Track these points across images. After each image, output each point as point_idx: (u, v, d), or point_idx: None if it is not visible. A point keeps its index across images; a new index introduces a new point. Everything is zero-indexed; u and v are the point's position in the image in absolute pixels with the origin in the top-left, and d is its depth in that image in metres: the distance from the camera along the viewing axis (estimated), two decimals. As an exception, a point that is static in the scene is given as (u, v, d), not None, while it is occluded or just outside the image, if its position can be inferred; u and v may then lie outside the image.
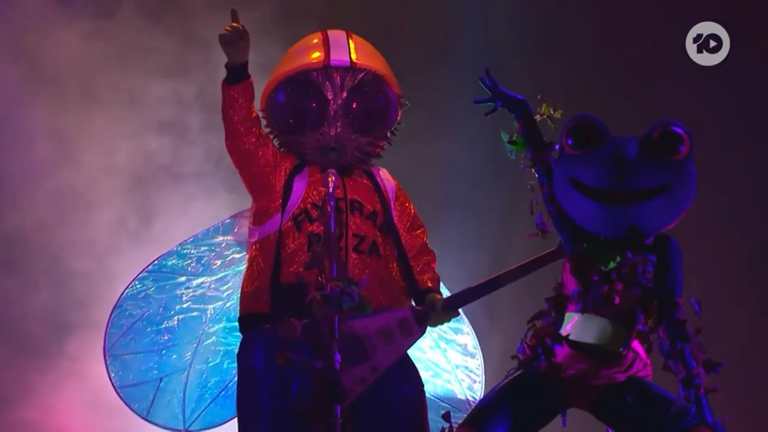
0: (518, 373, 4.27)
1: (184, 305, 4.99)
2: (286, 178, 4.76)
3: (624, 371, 4.22)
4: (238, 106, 4.66)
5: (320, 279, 4.10)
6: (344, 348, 4.07)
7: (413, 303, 4.78)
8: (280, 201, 4.72)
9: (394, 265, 4.79)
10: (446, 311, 4.71)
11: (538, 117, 4.44)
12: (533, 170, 4.42)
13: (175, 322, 4.98)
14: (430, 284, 4.82)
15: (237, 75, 4.66)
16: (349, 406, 4.15)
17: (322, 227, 4.31)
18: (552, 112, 4.39)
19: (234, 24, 4.62)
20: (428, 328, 4.70)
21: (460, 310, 4.86)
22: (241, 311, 4.74)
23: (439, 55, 6.84)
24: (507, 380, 4.28)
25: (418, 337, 4.66)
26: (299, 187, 4.74)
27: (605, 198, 4.21)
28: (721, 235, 6.62)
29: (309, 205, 4.70)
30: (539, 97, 4.42)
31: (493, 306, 6.20)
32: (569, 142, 4.27)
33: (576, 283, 4.24)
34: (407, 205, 4.96)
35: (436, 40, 6.89)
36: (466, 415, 4.37)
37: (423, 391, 4.71)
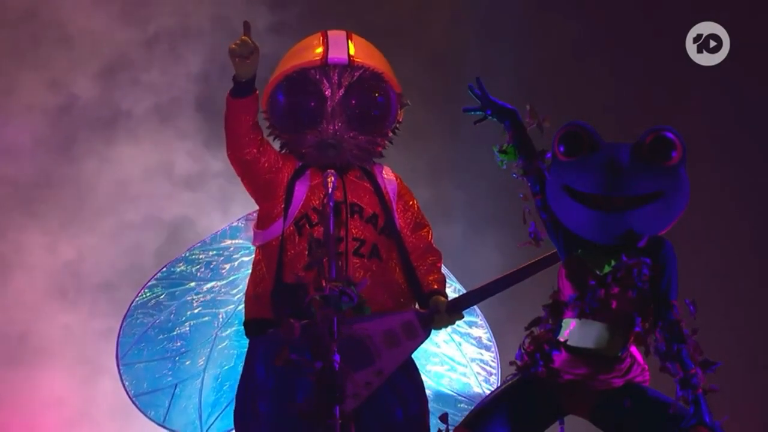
0: (517, 377, 4.27)
1: (195, 311, 5.02)
2: (288, 181, 4.76)
3: (622, 376, 4.23)
4: (241, 119, 4.68)
5: (320, 280, 4.09)
6: (348, 352, 4.06)
7: (418, 305, 4.77)
8: (283, 206, 4.73)
9: (398, 267, 4.78)
10: (450, 314, 4.71)
11: (527, 126, 4.42)
12: (525, 179, 4.41)
13: (187, 328, 5.00)
14: (435, 286, 4.79)
15: (243, 89, 4.65)
16: (353, 411, 4.16)
17: (322, 230, 4.28)
18: (542, 120, 4.37)
19: (244, 38, 4.61)
20: (433, 330, 4.72)
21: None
22: (245, 316, 4.77)
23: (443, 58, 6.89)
24: (505, 385, 4.30)
25: (423, 340, 4.67)
26: (300, 190, 4.75)
27: (599, 204, 4.21)
28: (720, 235, 6.60)
29: (310, 210, 4.71)
30: (528, 106, 4.40)
31: (509, 298, 6.22)
32: (561, 149, 4.28)
33: (572, 289, 4.25)
34: (411, 202, 4.93)
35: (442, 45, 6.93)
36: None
37: (425, 394, 4.72)
